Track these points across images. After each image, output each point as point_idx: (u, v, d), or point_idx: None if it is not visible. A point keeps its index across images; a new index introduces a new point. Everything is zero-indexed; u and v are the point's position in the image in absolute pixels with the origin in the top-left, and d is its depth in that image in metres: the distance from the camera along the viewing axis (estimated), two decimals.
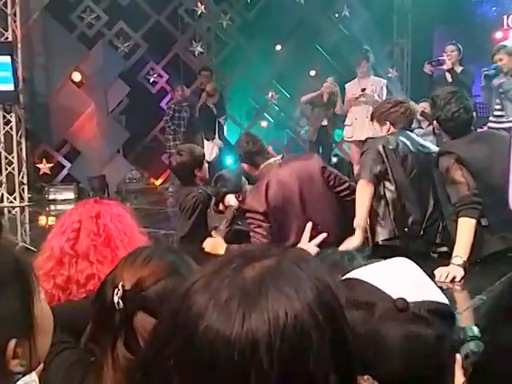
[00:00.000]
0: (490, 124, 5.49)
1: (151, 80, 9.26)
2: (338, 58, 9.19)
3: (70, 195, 8.02)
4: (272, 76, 9.51)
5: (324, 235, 2.17)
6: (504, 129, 5.36)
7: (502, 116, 5.38)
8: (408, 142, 3.52)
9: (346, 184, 3.40)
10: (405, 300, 0.81)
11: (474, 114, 3.32)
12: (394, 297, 0.82)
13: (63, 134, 8.45)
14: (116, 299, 1.07)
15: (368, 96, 5.94)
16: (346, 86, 6.22)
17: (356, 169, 5.22)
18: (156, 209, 7.54)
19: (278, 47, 9.72)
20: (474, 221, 2.90)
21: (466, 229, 2.89)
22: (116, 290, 1.08)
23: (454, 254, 2.89)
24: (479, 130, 5.57)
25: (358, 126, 5.97)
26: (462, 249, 2.89)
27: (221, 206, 3.80)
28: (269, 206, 3.22)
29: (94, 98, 8.42)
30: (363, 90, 5.98)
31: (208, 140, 7.28)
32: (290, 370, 0.59)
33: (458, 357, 1.16)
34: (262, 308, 0.60)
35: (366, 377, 0.79)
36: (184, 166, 4.02)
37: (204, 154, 4.22)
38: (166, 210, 7.44)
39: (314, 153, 3.57)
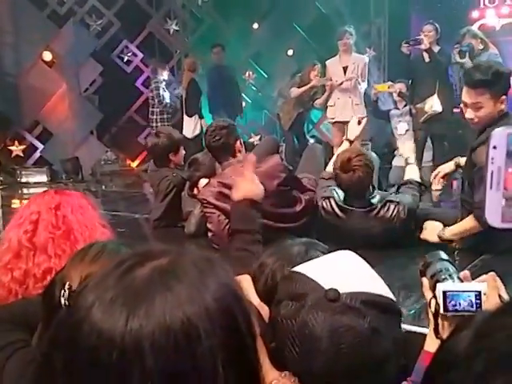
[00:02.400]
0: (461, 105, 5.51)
1: (125, 59, 9.09)
2: (315, 36, 9.09)
3: (43, 178, 7.87)
4: (249, 55, 9.39)
5: (252, 156, 1.93)
6: None
7: None
8: None
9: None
10: (336, 290, 0.78)
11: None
12: (327, 288, 0.79)
13: (34, 115, 8.25)
14: (62, 300, 1.02)
15: (351, 78, 5.83)
16: (327, 63, 6.11)
17: (336, 150, 5.17)
18: (132, 191, 7.44)
19: (255, 26, 9.58)
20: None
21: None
22: (62, 291, 1.03)
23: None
24: (455, 110, 5.59)
25: (340, 106, 5.89)
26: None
27: (195, 190, 3.76)
28: None
29: (65, 78, 8.21)
30: (345, 69, 5.87)
31: (189, 116, 7.14)
32: (175, 369, 0.58)
33: (425, 280, 1.18)
34: (148, 307, 0.59)
35: (283, 373, 0.76)
36: (159, 149, 4.00)
37: (182, 140, 4.15)
38: (143, 193, 7.35)
39: (278, 156, 3.41)
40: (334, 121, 6.02)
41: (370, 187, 3.24)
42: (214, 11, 9.23)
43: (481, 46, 5.41)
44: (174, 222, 3.94)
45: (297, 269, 0.87)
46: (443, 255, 1.27)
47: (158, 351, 0.57)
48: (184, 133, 6.77)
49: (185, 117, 7.17)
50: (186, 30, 9.33)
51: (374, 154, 3.90)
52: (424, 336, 1.18)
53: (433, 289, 1.16)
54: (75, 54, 8.21)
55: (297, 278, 0.84)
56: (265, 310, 1.02)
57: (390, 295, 0.83)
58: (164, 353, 0.57)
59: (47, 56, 8.14)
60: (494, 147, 0.75)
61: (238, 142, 3.32)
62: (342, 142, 3.82)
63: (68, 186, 7.72)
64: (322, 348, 0.75)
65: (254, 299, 1.06)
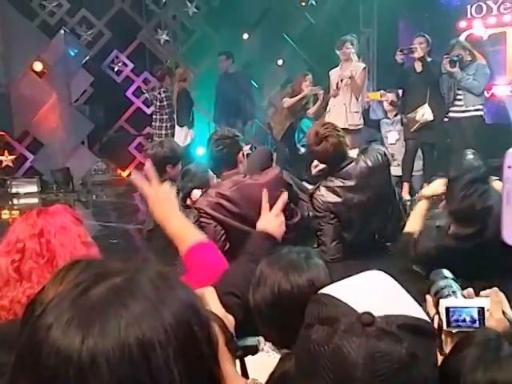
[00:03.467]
0: (450, 114, 5.58)
1: (116, 69, 9.08)
2: (304, 46, 9.16)
3: (33, 188, 7.84)
4: (239, 65, 9.42)
5: (285, 195, 1.99)
6: (465, 118, 5.47)
7: (462, 105, 5.48)
8: None
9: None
10: (370, 314, 0.75)
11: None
12: (361, 311, 0.76)
13: (25, 125, 8.23)
14: None
15: (345, 80, 5.82)
16: (330, 73, 6.13)
17: None
18: (123, 201, 7.43)
19: (245, 36, 9.63)
20: None
21: None
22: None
23: None
24: (445, 119, 5.66)
25: (334, 113, 5.92)
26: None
27: (188, 201, 3.76)
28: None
29: (56, 88, 8.20)
30: (341, 81, 5.91)
31: (180, 126, 7.15)
32: (131, 382, 0.60)
33: (428, 297, 1.19)
34: (103, 325, 0.61)
35: (249, 380, 0.75)
36: (159, 158, 4.00)
37: (181, 155, 4.16)
38: (134, 203, 7.34)
39: (278, 169, 3.42)
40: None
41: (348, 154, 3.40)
42: (204, 22, 9.27)
43: (469, 58, 5.49)
44: (167, 233, 3.93)
45: (325, 291, 0.83)
46: (446, 273, 1.28)
47: (114, 366, 0.59)
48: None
49: (176, 127, 7.18)
50: (176, 41, 9.36)
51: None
52: None
53: (436, 305, 1.17)
54: (66, 64, 8.21)
55: (327, 301, 0.80)
56: (230, 321, 1.01)
57: (425, 317, 0.80)
58: (119, 367, 0.59)
59: (38, 66, 8.12)
60: (509, 167, 0.76)
61: (241, 154, 3.31)
62: None
63: (58, 196, 7.70)
64: (358, 375, 0.73)
65: (219, 310, 1.06)
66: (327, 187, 3.38)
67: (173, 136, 7.43)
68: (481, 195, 2.46)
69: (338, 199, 3.35)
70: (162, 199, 1.73)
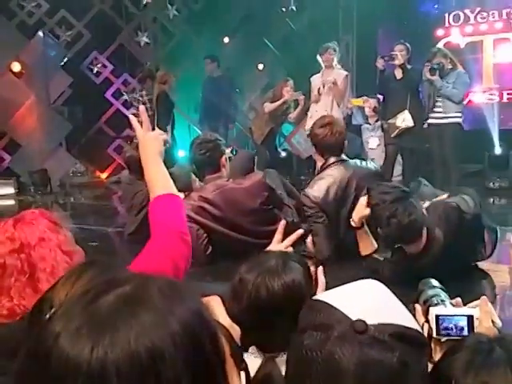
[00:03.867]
0: (430, 120, 5.67)
1: (95, 70, 8.99)
2: (285, 52, 9.20)
3: (10, 190, 7.71)
4: (220, 69, 9.42)
5: (300, 232, 2.06)
6: (444, 124, 5.56)
7: (440, 112, 5.56)
8: None
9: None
10: (364, 322, 0.76)
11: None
12: (354, 319, 0.77)
13: (2, 125, 8.09)
14: None
15: (328, 85, 5.86)
16: (311, 79, 6.17)
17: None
18: (102, 204, 7.36)
19: (226, 40, 9.63)
20: None
21: None
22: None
23: None
24: (424, 125, 5.74)
25: (314, 118, 5.93)
26: None
27: None
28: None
29: (34, 89, 8.10)
30: (323, 86, 5.95)
31: (160, 129, 7.12)
32: None
33: (417, 306, 1.21)
34: (113, 335, 0.61)
35: None
36: (134, 161, 3.99)
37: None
38: (113, 205, 7.27)
39: (260, 174, 3.44)
40: (308, 132, 6.06)
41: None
42: (184, 25, 9.25)
43: (450, 66, 5.58)
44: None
45: (319, 297, 0.85)
46: (435, 282, 1.31)
47: (123, 376, 0.59)
48: None
49: (156, 130, 7.12)
50: (156, 43, 9.32)
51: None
52: None
53: (425, 314, 1.18)
54: (44, 65, 8.11)
55: (321, 308, 0.81)
56: (236, 331, 1.01)
57: (417, 326, 0.81)
58: (129, 377, 0.59)
59: (16, 67, 8.02)
60: None
61: (223, 158, 3.32)
62: None
63: (35, 198, 7.59)
64: (349, 381, 0.74)
65: (225, 320, 1.06)
66: (315, 185, 3.35)
67: None
68: (405, 210, 2.52)
69: (325, 196, 3.32)
70: (146, 144, 1.74)
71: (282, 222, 1.93)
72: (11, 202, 7.44)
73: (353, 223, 2.88)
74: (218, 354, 0.67)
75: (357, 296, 0.83)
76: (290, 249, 1.90)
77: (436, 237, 2.65)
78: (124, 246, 4.22)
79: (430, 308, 1.17)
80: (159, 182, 1.68)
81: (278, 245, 1.87)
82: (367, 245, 2.85)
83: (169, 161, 5.40)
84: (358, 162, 3.48)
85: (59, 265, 1.48)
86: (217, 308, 1.06)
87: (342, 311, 0.79)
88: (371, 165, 3.59)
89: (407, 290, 2.50)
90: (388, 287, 0.84)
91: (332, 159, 3.34)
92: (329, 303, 0.81)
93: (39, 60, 8.07)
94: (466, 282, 2.72)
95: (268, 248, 1.86)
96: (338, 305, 0.80)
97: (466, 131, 5.76)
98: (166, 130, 7.07)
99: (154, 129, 1.82)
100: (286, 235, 3.28)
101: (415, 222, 2.54)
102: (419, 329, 0.82)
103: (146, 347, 0.60)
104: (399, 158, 5.91)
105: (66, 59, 8.59)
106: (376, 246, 2.84)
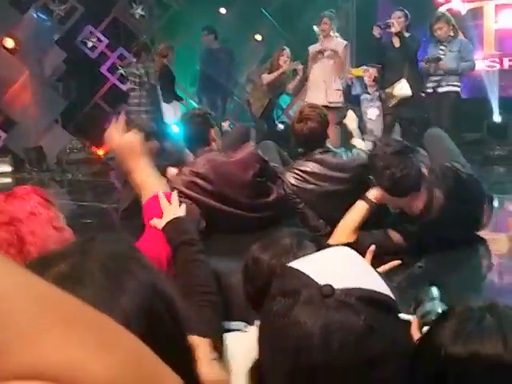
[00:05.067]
0: (427, 90, 5.57)
1: (90, 45, 8.86)
2: (283, 21, 9.03)
3: (7, 168, 7.67)
4: (218, 40, 9.26)
5: None
6: (441, 93, 5.47)
7: (438, 81, 5.46)
8: None
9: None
10: (331, 286, 0.74)
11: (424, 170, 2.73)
12: (322, 284, 0.75)
13: None
14: None
15: (328, 52, 5.72)
16: (309, 48, 6.05)
17: None
18: (99, 180, 7.32)
19: (223, 10, 9.46)
20: None
21: None
22: None
23: None
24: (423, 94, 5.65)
25: (313, 90, 5.85)
26: None
27: None
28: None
29: (28, 65, 7.98)
30: (323, 52, 5.82)
31: (167, 102, 7.05)
32: None
33: (414, 319, 1.17)
34: None
35: None
36: None
37: (153, 133, 4.05)
38: (110, 181, 7.23)
39: (252, 145, 3.37)
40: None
41: (326, 142, 3.31)
42: None
43: (452, 33, 5.45)
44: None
45: (291, 264, 0.83)
46: (435, 293, 1.29)
47: None
48: (166, 120, 6.71)
49: (164, 105, 7.03)
50: (152, 16, 9.16)
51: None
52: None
53: (420, 329, 1.17)
54: (38, 40, 7.99)
55: (291, 274, 0.80)
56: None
57: (389, 293, 0.78)
58: None
59: (9, 43, 7.89)
60: None
61: (213, 131, 3.27)
62: None
63: (32, 175, 7.55)
64: (314, 345, 0.72)
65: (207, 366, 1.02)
66: (295, 171, 3.28)
67: (152, 113, 7.31)
68: (399, 164, 2.54)
69: (304, 184, 3.25)
70: (125, 150, 1.68)
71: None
72: (8, 179, 7.40)
73: None
74: (178, 323, 0.62)
75: (327, 262, 0.82)
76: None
77: (436, 196, 2.65)
78: (118, 222, 4.17)
79: (425, 327, 1.15)
80: (148, 184, 1.67)
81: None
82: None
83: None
84: (342, 153, 3.40)
85: (49, 239, 1.46)
86: (204, 352, 1.02)
87: (310, 276, 0.77)
88: (358, 156, 3.46)
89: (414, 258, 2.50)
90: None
91: (312, 151, 3.27)
92: (298, 269, 0.80)
93: (32, 35, 7.95)
94: (464, 250, 2.69)
95: None
96: (307, 271, 0.78)
97: (465, 99, 5.68)
98: (179, 100, 6.99)
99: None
100: (278, 208, 3.24)
101: (407, 176, 2.56)
102: (391, 294, 0.78)
103: None
104: (398, 128, 5.82)
105: (60, 34, 8.44)
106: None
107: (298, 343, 0.73)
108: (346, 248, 0.87)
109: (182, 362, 0.62)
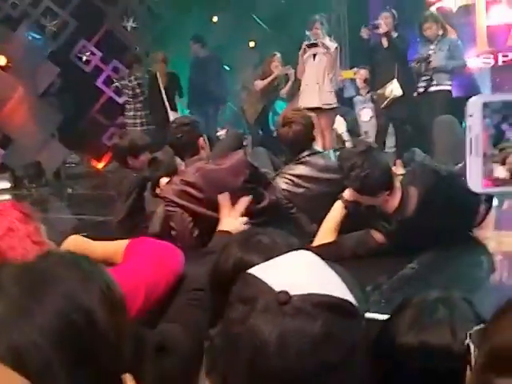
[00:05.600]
0: (419, 90, 5.57)
1: (84, 58, 8.90)
2: (276, 27, 9.05)
3: (5, 185, 7.69)
4: (210, 48, 9.28)
5: (246, 199, 2.04)
6: (433, 92, 5.45)
7: (429, 80, 5.45)
8: None
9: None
10: (287, 293, 0.74)
11: (400, 169, 2.94)
12: (278, 290, 0.75)
13: None
14: None
15: (320, 55, 5.71)
16: (300, 53, 6.06)
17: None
18: (97, 193, 7.32)
19: (215, 19, 9.49)
20: None
21: None
22: None
23: None
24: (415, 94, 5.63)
25: (307, 93, 5.85)
26: None
27: (157, 190, 3.70)
28: None
29: (22, 82, 8.01)
30: (315, 57, 5.82)
31: (175, 110, 7.05)
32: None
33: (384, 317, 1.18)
34: None
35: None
36: (117, 150, 4.00)
37: (146, 146, 4.05)
38: (109, 194, 7.23)
39: (242, 152, 3.36)
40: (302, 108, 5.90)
41: (313, 145, 3.30)
42: (171, 6, 9.10)
43: (440, 32, 5.46)
44: (138, 223, 3.87)
45: (250, 271, 0.83)
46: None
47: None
48: None
49: (170, 112, 6.98)
50: (144, 27, 9.19)
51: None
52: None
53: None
54: (31, 56, 8.03)
55: (249, 281, 0.80)
56: None
57: (349, 297, 0.78)
58: None
59: (1, 60, 7.93)
60: (470, 115, 0.80)
61: (202, 139, 3.26)
62: None
63: (31, 191, 7.57)
64: (270, 353, 0.71)
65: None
66: (285, 175, 3.27)
67: (148, 124, 7.31)
68: (363, 164, 2.58)
69: (295, 189, 3.23)
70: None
71: (244, 200, 1.89)
72: (7, 196, 7.41)
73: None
74: (99, 336, 0.61)
75: (285, 268, 0.81)
76: (244, 219, 1.86)
77: (410, 194, 2.66)
78: (113, 233, 4.17)
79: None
80: (113, 249, 1.71)
81: (227, 219, 1.81)
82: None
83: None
84: (330, 155, 3.43)
85: (29, 254, 1.43)
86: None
87: (267, 283, 0.76)
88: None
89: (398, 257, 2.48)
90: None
91: (299, 154, 3.26)
92: (256, 276, 0.79)
93: (25, 52, 8.00)
94: (457, 249, 2.65)
95: (220, 225, 1.81)
96: (264, 277, 0.78)
97: (458, 98, 5.65)
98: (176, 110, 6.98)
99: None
100: (270, 214, 3.23)
101: (371, 175, 2.59)
102: (352, 300, 0.77)
103: (6, 343, 0.54)
104: (392, 129, 5.81)
105: (53, 49, 8.48)
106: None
107: (254, 351, 0.72)
108: (308, 253, 0.86)
109: (105, 373, 0.61)
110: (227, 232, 1.75)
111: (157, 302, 1.56)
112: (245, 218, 1.87)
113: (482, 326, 0.71)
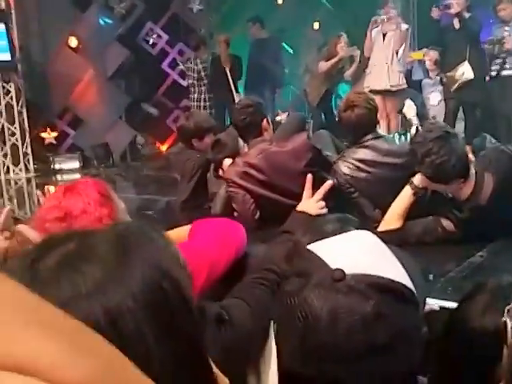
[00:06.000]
0: (492, 73, 5.32)
1: (151, 41, 9.05)
2: (341, 7, 8.89)
3: (75, 164, 7.98)
4: (274, 31, 9.22)
5: (329, 183, 2.03)
6: (508, 76, 5.20)
7: (504, 63, 5.20)
8: None
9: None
10: (342, 271, 0.74)
11: (470, 155, 2.71)
12: (335, 268, 0.76)
13: (64, 101, 8.34)
14: None
15: (390, 34, 5.55)
16: (368, 29, 5.91)
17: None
18: (162, 175, 7.48)
19: (279, 1, 9.41)
20: None
21: None
22: None
23: None
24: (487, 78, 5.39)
25: (375, 74, 5.69)
26: None
27: (220, 172, 3.73)
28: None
29: (91, 63, 8.26)
30: (384, 35, 5.66)
31: (237, 92, 7.10)
32: None
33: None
34: (58, 297, 0.54)
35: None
36: (183, 132, 4.06)
37: (211, 128, 4.09)
38: (173, 175, 7.37)
39: (305, 134, 3.32)
40: (368, 89, 5.60)
41: (377, 128, 3.21)
42: None
43: None
44: (201, 203, 3.94)
45: (309, 247, 0.84)
46: None
47: None
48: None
49: (235, 94, 7.00)
50: (209, 9, 9.24)
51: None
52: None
53: None
54: (100, 38, 8.23)
55: (306, 256, 0.81)
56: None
57: (406, 282, 0.77)
58: None
59: (72, 42, 8.17)
60: None
61: (265, 121, 3.26)
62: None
63: (99, 171, 7.83)
64: (321, 327, 0.73)
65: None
66: (347, 159, 3.19)
67: (211, 108, 7.39)
68: (439, 150, 2.46)
69: (357, 173, 3.14)
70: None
71: (309, 177, 1.89)
72: (77, 175, 7.70)
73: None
74: (184, 303, 0.62)
75: (344, 247, 0.82)
76: (322, 203, 1.86)
77: (485, 181, 2.54)
78: (179, 213, 4.25)
79: None
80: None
81: (308, 200, 1.84)
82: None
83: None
84: (395, 138, 3.30)
85: None
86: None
87: (323, 260, 0.78)
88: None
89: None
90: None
91: (362, 138, 3.17)
92: (314, 252, 0.81)
93: (95, 33, 8.21)
94: None
95: (299, 205, 1.84)
96: (322, 254, 0.79)
97: None
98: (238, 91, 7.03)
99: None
100: (334, 197, 3.19)
101: (447, 163, 2.46)
102: (410, 285, 0.76)
103: (101, 305, 0.55)
104: (462, 113, 5.59)
105: (121, 32, 8.67)
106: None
107: (305, 324, 0.74)
108: (369, 233, 0.86)
109: (188, 342, 0.62)
110: (304, 213, 1.75)
111: (217, 279, 1.59)
112: (323, 202, 1.86)
113: None
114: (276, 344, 0.84)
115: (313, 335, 0.73)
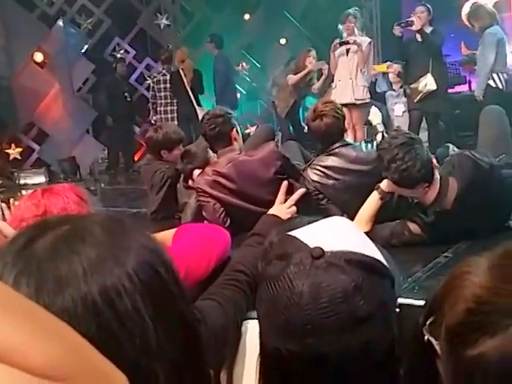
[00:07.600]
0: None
1: (118, 56, 9.04)
2: (307, 23, 9.04)
3: (41, 179, 7.86)
4: (241, 46, 9.34)
5: (302, 190, 2.08)
6: None
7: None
8: None
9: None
10: (321, 248, 0.78)
11: (434, 160, 2.68)
12: (313, 247, 0.79)
13: (29, 116, 8.24)
14: None
15: (353, 49, 5.68)
16: (331, 50, 6.03)
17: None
18: (131, 187, 7.42)
19: (246, 16, 9.53)
20: None
21: None
22: None
23: None
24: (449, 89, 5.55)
25: (340, 88, 5.83)
26: None
27: (190, 182, 3.74)
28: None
29: (58, 78, 8.21)
30: (348, 51, 5.77)
31: (199, 106, 7.10)
32: (100, 332, 0.55)
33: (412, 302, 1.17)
34: (56, 277, 0.55)
35: None
36: (152, 143, 4.06)
37: (180, 140, 4.10)
38: (142, 188, 7.33)
39: (273, 143, 3.38)
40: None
41: (345, 137, 3.25)
42: (204, 4, 9.18)
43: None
44: (170, 214, 3.93)
45: (289, 233, 0.87)
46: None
47: (77, 319, 0.54)
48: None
49: (198, 108, 7.01)
50: (176, 25, 9.29)
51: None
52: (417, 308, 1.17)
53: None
54: (67, 53, 8.20)
55: (287, 240, 0.85)
56: None
57: (380, 258, 0.81)
58: (84, 319, 0.55)
59: (38, 57, 8.12)
60: None
61: (234, 131, 3.29)
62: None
63: None
64: (303, 303, 0.76)
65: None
66: (316, 167, 3.24)
67: (178, 119, 7.40)
68: (404, 156, 2.51)
69: (325, 180, 3.20)
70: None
71: (284, 184, 1.93)
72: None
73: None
74: (177, 284, 0.65)
75: (321, 229, 0.86)
76: (294, 208, 1.90)
77: (449, 185, 2.61)
78: (146, 224, 4.23)
79: None
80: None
81: (280, 205, 1.87)
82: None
83: None
84: (362, 146, 3.38)
85: None
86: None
87: (302, 241, 0.81)
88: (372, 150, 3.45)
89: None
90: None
91: (332, 146, 3.23)
92: (293, 235, 0.84)
93: (61, 49, 8.17)
94: (493, 240, 2.62)
95: (271, 209, 1.87)
96: (301, 236, 0.83)
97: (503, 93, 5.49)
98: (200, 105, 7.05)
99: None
100: (301, 205, 3.24)
101: (412, 168, 2.52)
102: (382, 260, 0.80)
103: (98, 285, 0.56)
104: (425, 123, 5.74)
105: (88, 47, 8.66)
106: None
107: (289, 302, 0.76)
108: (344, 218, 0.91)
109: (183, 323, 0.64)
110: (276, 216, 1.78)
111: (196, 283, 1.60)
112: (294, 208, 1.90)
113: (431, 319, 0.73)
114: (260, 326, 0.85)
115: (296, 311, 0.76)
